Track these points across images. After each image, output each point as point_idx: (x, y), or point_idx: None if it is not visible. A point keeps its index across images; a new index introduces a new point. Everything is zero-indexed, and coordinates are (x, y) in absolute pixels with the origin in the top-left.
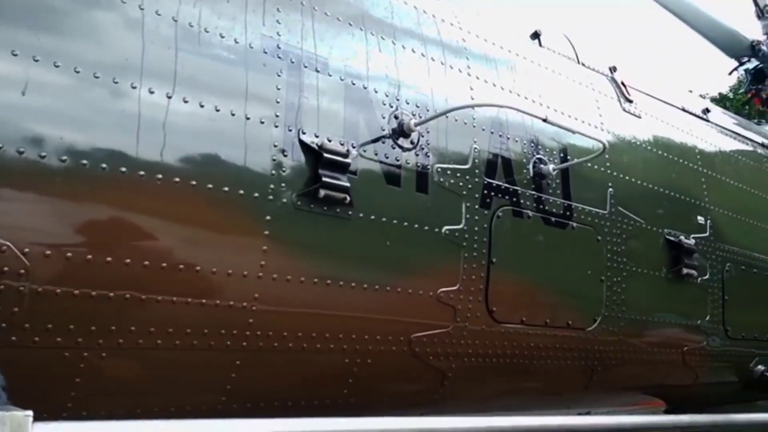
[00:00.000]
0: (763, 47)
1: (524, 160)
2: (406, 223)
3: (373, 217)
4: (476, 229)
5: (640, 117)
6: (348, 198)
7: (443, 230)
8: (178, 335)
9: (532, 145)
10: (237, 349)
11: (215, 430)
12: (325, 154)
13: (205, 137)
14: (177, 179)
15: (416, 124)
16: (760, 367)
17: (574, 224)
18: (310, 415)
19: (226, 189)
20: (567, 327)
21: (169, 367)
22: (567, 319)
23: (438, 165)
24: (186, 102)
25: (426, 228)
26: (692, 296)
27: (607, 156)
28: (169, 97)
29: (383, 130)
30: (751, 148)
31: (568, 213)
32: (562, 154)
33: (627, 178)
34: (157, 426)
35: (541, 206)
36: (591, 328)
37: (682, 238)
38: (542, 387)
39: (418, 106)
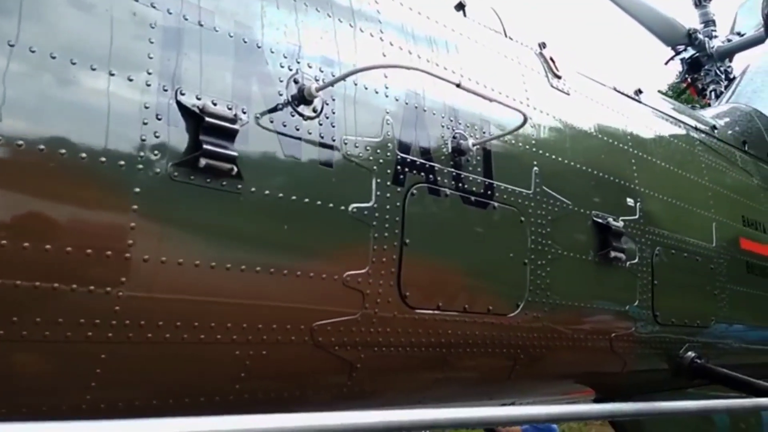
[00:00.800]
0: (700, 36)
1: (442, 135)
2: (306, 200)
3: (267, 192)
4: (388, 207)
5: (568, 94)
6: (235, 169)
7: (350, 208)
8: (26, 325)
9: (451, 119)
10: (101, 341)
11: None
12: (208, 119)
13: (56, 95)
14: (20, 143)
15: (318, 90)
16: (690, 354)
17: (496, 204)
18: (194, 414)
19: (84, 156)
20: (487, 313)
21: (18, 364)
22: (487, 304)
23: (345, 137)
24: (33, 52)
25: (330, 206)
26: (621, 280)
27: (532, 133)
28: (11, 46)
29: (281, 95)
30: (684, 131)
31: (489, 192)
32: (483, 130)
33: (553, 156)
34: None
35: (460, 184)
36: (513, 314)
37: (610, 220)
38: (461, 377)
39: (322, 71)
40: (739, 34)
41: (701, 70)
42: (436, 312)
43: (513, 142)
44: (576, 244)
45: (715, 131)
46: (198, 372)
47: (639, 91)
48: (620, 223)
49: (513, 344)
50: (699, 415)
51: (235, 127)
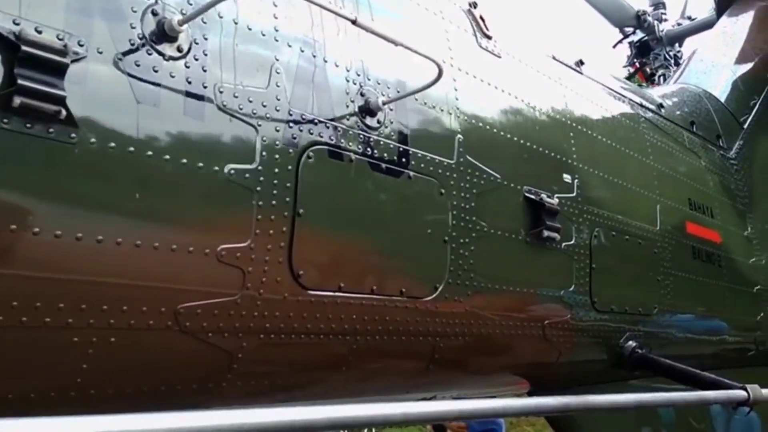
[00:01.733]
0: (649, 18)
1: (347, 90)
2: (167, 157)
3: (113, 145)
4: (276, 171)
5: (499, 57)
6: (64, 113)
7: (227, 169)
8: None
9: (359, 73)
10: None
11: None
12: (26, 48)
13: None
14: None
15: (181, 23)
16: (631, 344)
17: (412, 173)
18: (16, 414)
19: None
20: (400, 296)
21: None
22: (400, 286)
23: (221, 84)
24: None
25: (200, 165)
26: (555, 263)
27: (456, 97)
28: None
29: (133, 28)
30: (628, 107)
31: (403, 160)
32: (398, 90)
33: (481, 124)
34: None
35: (369, 149)
36: (431, 298)
37: (543, 196)
38: (370, 370)
39: (190, 2)
40: (689, 18)
41: (650, 54)
42: (337, 294)
43: (433, 105)
44: (505, 222)
45: (662, 110)
46: (24, 363)
47: (580, 62)
48: (555, 201)
49: (431, 332)
50: (635, 409)
51: (65, 60)
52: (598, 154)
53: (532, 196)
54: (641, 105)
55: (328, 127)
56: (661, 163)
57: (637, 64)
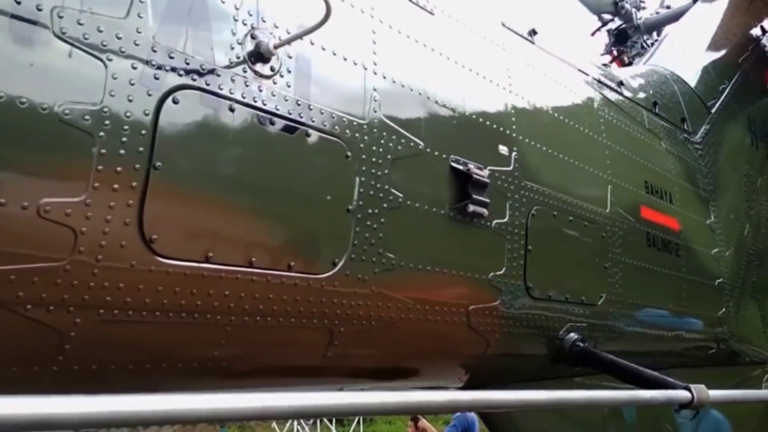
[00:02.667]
0: (627, 5)
1: (233, 30)
2: None
3: None
4: (128, 115)
5: (432, 13)
6: None
7: (60, 108)
8: None
9: (251, 12)
10: None
11: None
12: None
13: None
14: None
15: None
16: (572, 336)
17: (311, 131)
18: None
19: None
20: (287, 270)
21: None
22: (287, 259)
23: (63, 7)
24: None
25: (23, 100)
26: (482, 242)
27: (373, 51)
28: None
29: None
30: (582, 82)
31: (301, 114)
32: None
33: (403, 84)
34: None
35: (256, 99)
36: (328, 275)
37: (472, 167)
38: (252, 356)
39: None
40: (668, 7)
41: (627, 42)
42: (204, 266)
43: (345, 57)
44: (425, 193)
45: (622, 87)
46: None
47: (533, 32)
48: (485, 173)
49: (328, 314)
50: (552, 409)
51: None
52: (543, 127)
53: (459, 167)
54: (598, 81)
55: (204, 70)
56: (615, 141)
57: (615, 52)
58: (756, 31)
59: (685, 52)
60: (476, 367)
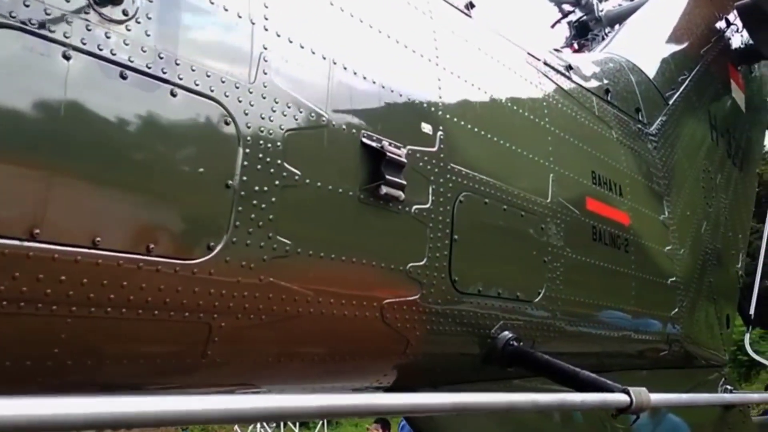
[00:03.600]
0: None
1: None
2: None
3: None
4: None
5: None
6: None
7: None
8: None
9: None
10: None
11: None
12: None
13: None
14: None
15: None
16: (506, 335)
17: (177, 90)
18: None
19: None
20: (146, 254)
21: None
22: (145, 240)
23: None
24: None
25: None
26: (399, 229)
27: (266, 5)
28: None
29: None
30: (524, 61)
31: (164, 69)
32: None
33: (302, 45)
34: None
35: (102, 47)
36: (201, 261)
37: (386, 144)
38: (116, 354)
39: None
40: None
41: (588, 35)
42: (29, 245)
43: (226, 8)
44: (329, 171)
45: (571, 71)
46: None
47: (470, 5)
48: (403, 152)
49: (203, 306)
50: (468, 413)
51: None
52: (475, 107)
53: (372, 144)
54: (545, 63)
55: (27, 6)
56: (560, 128)
57: (576, 45)
58: (720, 24)
59: (644, 42)
60: (398, 368)
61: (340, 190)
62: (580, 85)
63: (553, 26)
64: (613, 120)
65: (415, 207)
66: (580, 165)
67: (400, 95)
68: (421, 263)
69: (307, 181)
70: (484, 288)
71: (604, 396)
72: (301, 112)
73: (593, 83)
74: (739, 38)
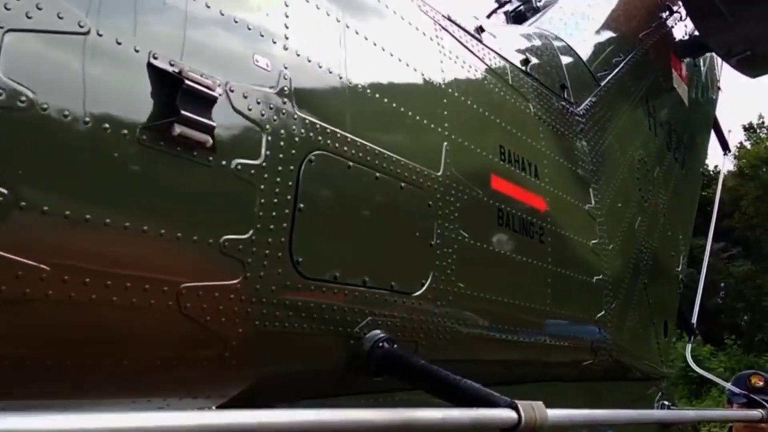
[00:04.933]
0: None
1: None
2: None
3: None
4: None
5: None
6: None
7: None
8: None
9: None
10: None
11: None
12: None
13: None
14: None
15: None
16: (375, 335)
17: None
18: None
19: None
20: None
21: None
22: None
23: None
24: None
25: None
26: (208, 188)
27: None
28: None
29: None
30: (422, 16)
31: None
32: None
33: None
34: None
35: None
36: None
37: (187, 70)
38: None
39: None
40: None
41: (524, 23)
42: None
43: None
44: (91, 98)
45: (481, 34)
46: None
47: None
48: (216, 82)
49: None
50: None
51: None
52: (343, 49)
53: (165, 67)
54: (448, 17)
55: None
56: (460, 91)
57: None
58: (663, 11)
59: (577, 18)
60: (218, 378)
61: (107, 126)
62: (493, 50)
63: (488, 16)
64: (531, 93)
65: (237, 162)
66: (484, 136)
67: (221, 13)
68: (245, 237)
69: (47, 107)
70: (342, 274)
71: (478, 413)
72: (40, 10)
73: (510, 51)
74: (683, 28)
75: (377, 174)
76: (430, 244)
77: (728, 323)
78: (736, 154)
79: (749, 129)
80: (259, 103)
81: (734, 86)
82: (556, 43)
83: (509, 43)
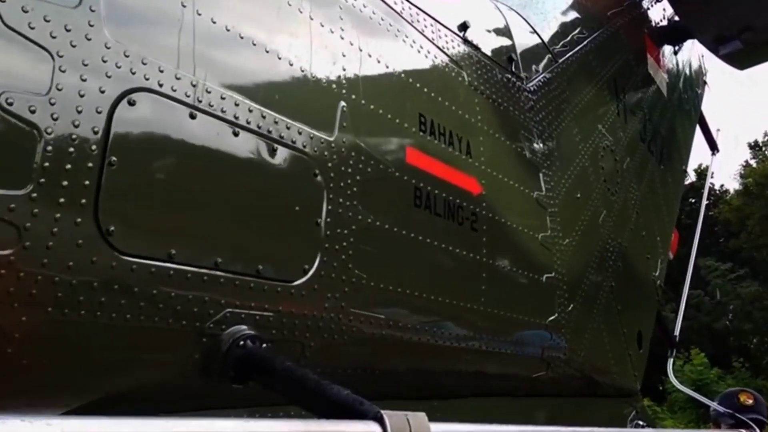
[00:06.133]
0: None
1: None
2: None
3: None
4: None
5: None
6: None
7: None
8: None
9: None
10: None
11: None
12: None
13: None
14: None
15: None
16: (238, 331)
17: None
18: None
19: None
20: None
21: None
22: None
23: None
24: None
25: None
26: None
27: None
28: None
29: None
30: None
31: None
32: None
33: None
34: None
35: None
36: None
37: None
38: None
39: None
40: None
41: None
42: None
43: None
44: None
45: None
46: None
47: None
48: None
49: None
50: None
51: None
52: None
53: None
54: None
55: None
56: (367, 45)
57: None
58: None
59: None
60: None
61: None
62: (416, 5)
63: None
64: (467, 60)
65: (6, 93)
66: (399, 101)
67: None
68: (19, 193)
69: None
70: (181, 252)
71: (322, 426)
72: None
73: (444, 13)
74: (661, 12)
75: (235, 130)
76: (317, 222)
77: (736, 346)
78: (742, 172)
79: (755, 147)
80: (48, 21)
81: (739, 103)
82: (508, 14)
83: (445, 4)
